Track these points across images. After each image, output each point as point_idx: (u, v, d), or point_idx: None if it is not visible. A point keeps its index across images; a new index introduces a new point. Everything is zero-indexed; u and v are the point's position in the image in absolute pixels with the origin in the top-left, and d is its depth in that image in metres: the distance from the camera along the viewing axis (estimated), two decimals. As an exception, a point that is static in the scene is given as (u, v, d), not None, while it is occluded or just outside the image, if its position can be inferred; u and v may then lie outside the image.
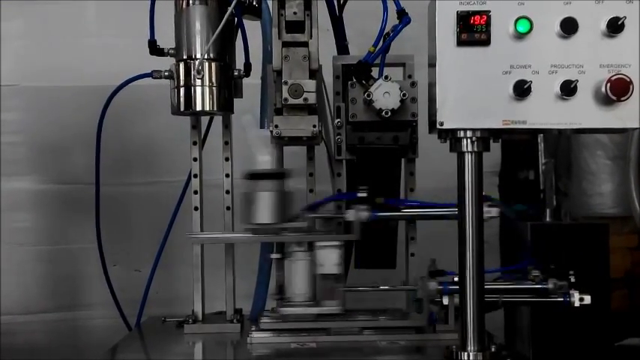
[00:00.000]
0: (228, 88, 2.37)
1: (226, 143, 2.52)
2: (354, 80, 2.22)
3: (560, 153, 4.01)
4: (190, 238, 2.37)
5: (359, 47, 2.47)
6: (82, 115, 2.95)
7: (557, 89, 1.82)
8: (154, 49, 2.40)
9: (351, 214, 2.26)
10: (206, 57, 2.31)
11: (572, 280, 2.20)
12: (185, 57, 2.33)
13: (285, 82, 2.21)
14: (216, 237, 2.41)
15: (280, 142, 2.35)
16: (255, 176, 2.31)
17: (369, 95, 2.14)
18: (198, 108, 2.33)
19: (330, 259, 2.28)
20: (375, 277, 2.43)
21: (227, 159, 2.51)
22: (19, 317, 3.30)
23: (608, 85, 1.80)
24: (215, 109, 2.36)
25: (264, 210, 2.27)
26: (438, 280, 2.20)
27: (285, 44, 2.24)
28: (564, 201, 3.97)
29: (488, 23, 1.81)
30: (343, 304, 2.29)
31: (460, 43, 1.82)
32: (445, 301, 2.21)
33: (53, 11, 3.32)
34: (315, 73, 2.26)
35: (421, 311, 2.31)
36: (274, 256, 2.36)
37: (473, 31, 1.82)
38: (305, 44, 2.24)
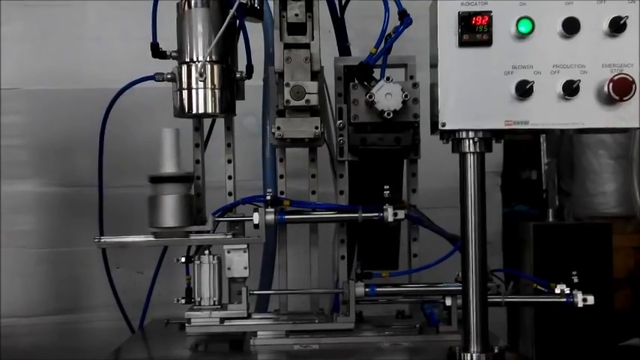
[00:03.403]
0: (230, 90, 2.37)
1: (229, 145, 2.51)
2: (356, 81, 2.21)
3: (563, 153, 4.01)
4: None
5: (361, 49, 2.47)
6: (85, 118, 2.94)
7: (560, 89, 1.82)
8: (157, 52, 2.40)
9: (256, 217, 2.25)
10: (208, 59, 2.30)
11: (576, 280, 2.20)
12: (187, 59, 2.33)
13: (287, 84, 2.20)
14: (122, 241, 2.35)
15: (283, 143, 2.35)
16: (157, 180, 2.31)
17: (370, 96, 2.13)
18: (201, 110, 2.33)
19: (237, 262, 2.28)
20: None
21: (229, 161, 2.51)
22: (22, 320, 3.30)
23: (611, 84, 1.80)
24: (217, 111, 2.35)
25: (169, 213, 2.27)
26: (365, 283, 2.22)
27: (287, 46, 2.24)
28: (567, 201, 3.97)
29: (489, 24, 1.81)
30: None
31: (462, 43, 1.82)
32: (448, 302, 2.21)
33: (55, 14, 3.32)
34: (316, 75, 2.25)
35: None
36: (181, 259, 2.34)
37: (475, 31, 1.82)
38: (307, 46, 2.24)
